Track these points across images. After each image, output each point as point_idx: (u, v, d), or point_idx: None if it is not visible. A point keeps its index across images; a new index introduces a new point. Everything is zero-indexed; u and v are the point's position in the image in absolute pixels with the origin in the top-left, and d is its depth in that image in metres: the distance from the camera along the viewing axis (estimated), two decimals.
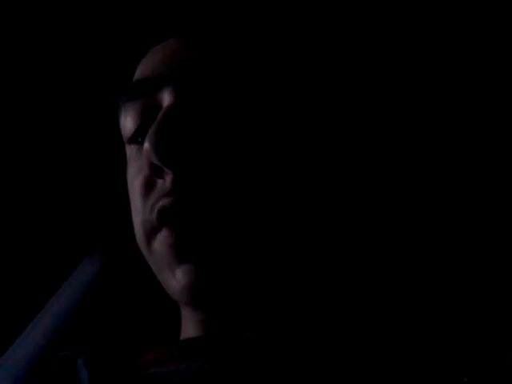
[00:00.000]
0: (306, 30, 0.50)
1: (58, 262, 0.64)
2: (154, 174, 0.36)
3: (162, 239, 0.37)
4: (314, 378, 0.35)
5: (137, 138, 0.40)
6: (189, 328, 0.41)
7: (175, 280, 0.36)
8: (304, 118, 0.42)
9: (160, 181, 0.36)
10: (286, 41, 0.44)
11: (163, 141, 0.34)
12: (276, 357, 0.36)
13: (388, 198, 0.58)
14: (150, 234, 0.38)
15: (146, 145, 0.35)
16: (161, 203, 0.36)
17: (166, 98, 0.37)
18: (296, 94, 0.41)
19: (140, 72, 0.41)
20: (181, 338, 0.42)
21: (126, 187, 0.42)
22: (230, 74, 0.38)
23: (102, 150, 0.69)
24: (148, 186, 0.38)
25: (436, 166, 0.63)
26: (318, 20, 0.55)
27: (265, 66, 0.40)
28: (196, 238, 0.35)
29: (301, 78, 0.43)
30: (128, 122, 0.40)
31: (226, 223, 0.35)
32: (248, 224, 0.36)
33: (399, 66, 0.62)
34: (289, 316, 0.39)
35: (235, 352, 0.36)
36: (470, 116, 0.63)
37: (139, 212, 0.39)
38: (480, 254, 0.61)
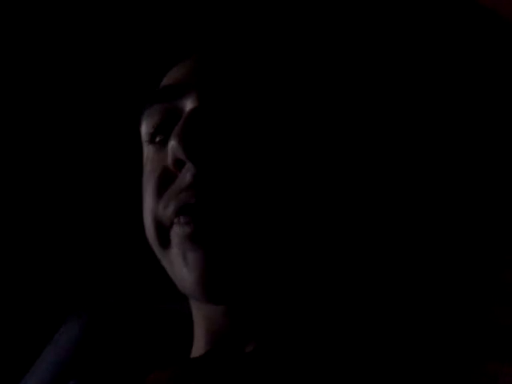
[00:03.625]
0: (317, 41, 0.52)
1: (36, 327, 0.64)
2: (175, 168, 0.38)
3: (177, 230, 0.38)
4: None
5: (155, 137, 0.42)
6: (198, 329, 0.43)
7: (188, 272, 0.37)
8: (319, 123, 0.44)
9: (179, 177, 0.38)
10: (298, 54, 0.47)
11: (189, 135, 0.36)
12: (281, 371, 0.37)
13: (389, 199, 0.58)
14: (163, 229, 0.39)
15: (172, 139, 0.37)
16: (180, 197, 0.37)
17: (190, 103, 0.39)
18: (310, 102, 0.43)
19: (165, 81, 0.43)
20: (193, 345, 0.44)
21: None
22: (246, 83, 0.40)
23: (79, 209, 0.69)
24: (164, 184, 0.39)
25: (437, 167, 0.63)
26: (328, 29, 0.57)
27: (278, 76, 0.42)
28: (213, 230, 0.36)
29: (313, 87, 0.45)
30: (149, 123, 0.42)
31: (242, 219, 0.36)
32: (263, 221, 0.37)
33: (403, 67, 0.62)
34: (294, 318, 0.40)
35: (238, 372, 0.37)
36: (472, 116, 0.64)
37: (152, 208, 0.40)
38: (479, 254, 0.62)
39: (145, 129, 0.43)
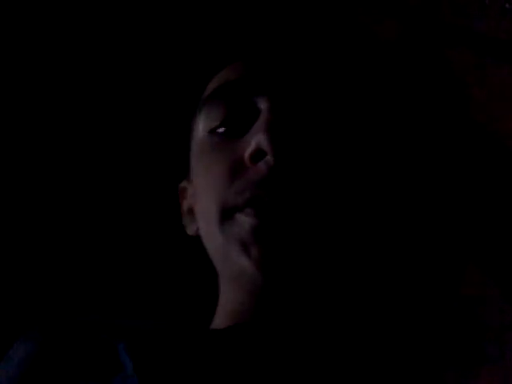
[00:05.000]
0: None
1: None
2: (251, 159, 0.41)
3: (242, 220, 0.40)
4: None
5: (217, 129, 0.45)
6: (222, 307, 0.45)
7: (249, 259, 0.40)
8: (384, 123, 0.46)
9: (254, 168, 0.41)
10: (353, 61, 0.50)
11: (274, 131, 0.40)
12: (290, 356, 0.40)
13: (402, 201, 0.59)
14: (229, 212, 0.41)
15: (259, 132, 0.40)
16: (255, 189, 0.40)
17: (264, 102, 0.43)
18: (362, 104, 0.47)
19: (227, 78, 0.46)
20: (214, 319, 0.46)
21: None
22: (309, 85, 0.44)
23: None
24: (236, 171, 0.42)
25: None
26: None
27: (339, 77, 0.45)
28: (276, 228, 0.39)
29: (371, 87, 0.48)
30: (214, 115, 0.45)
31: (305, 220, 0.39)
32: (327, 221, 0.40)
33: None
34: (314, 311, 0.43)
35: (254, 345, 0.40)
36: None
37: (219, 192, 0.42)
38: (480, 255, 0.63)
39: (208, 119, 0.46)
